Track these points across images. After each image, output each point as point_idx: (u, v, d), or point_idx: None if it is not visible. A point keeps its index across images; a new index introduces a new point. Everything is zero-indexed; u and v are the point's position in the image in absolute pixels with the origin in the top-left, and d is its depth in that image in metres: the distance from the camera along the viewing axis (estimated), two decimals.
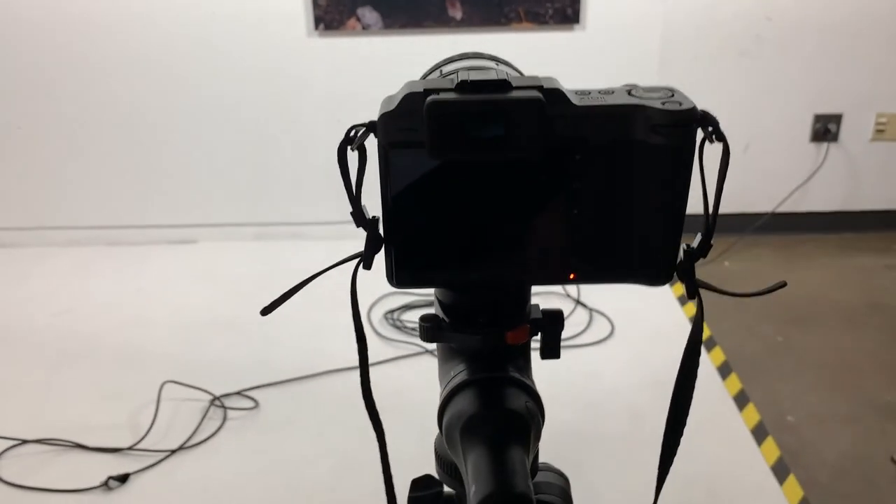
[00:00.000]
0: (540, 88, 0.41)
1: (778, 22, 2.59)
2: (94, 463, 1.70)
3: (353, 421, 1.70)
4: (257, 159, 2.77)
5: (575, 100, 0.43)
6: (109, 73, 2.67)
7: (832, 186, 2.80)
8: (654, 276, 0.47)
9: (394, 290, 0.51)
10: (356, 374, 0.51)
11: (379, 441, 0.53)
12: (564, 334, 2.09)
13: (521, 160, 0.43)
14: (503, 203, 0.45)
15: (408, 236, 0.46)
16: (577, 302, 2.30)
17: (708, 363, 2.05)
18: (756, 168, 2.78)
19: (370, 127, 0.43)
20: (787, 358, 2.10)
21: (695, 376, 0.49)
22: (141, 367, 2.04)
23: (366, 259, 0.46)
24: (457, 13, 2.53)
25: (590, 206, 0.45)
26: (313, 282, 0.47)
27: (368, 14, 2.54)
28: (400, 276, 0.47)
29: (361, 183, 0.45)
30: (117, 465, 1.69)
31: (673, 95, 0.43)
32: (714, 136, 0.42)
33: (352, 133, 0.43)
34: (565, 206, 0.45)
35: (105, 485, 1.62)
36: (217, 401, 1.86)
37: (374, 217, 0.46)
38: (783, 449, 1.74)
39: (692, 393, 0.49)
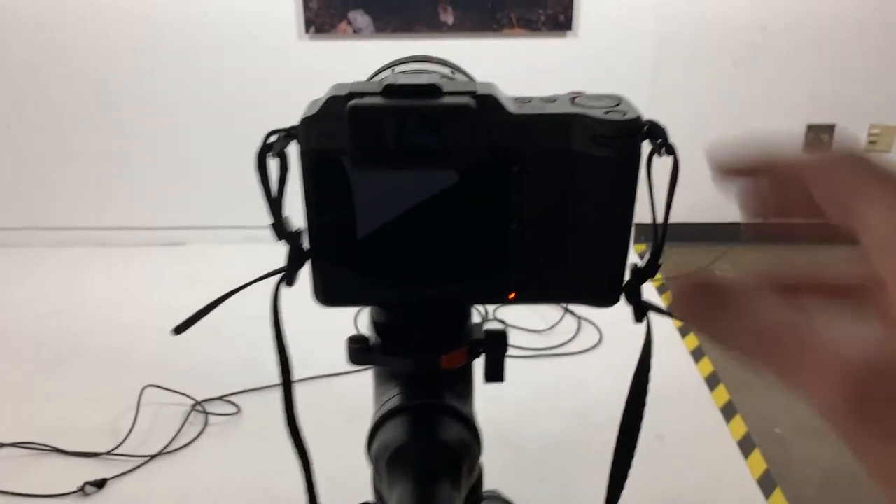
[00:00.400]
0: (473, 94, 0.39)
1: (772, 32, 2.58)
2: (72, 468, 1.67)
3: (337, 429, 1.68)
4: (246, 162, 2.74)
5: (511, 107, 0.41)
6: (99, 74, 2.65)
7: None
8: (599, 296, 0.45)
9: None
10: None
11: (304, 472, 0.51)
12: (552, 342, 2.08)
13: (453, 171, 0.41)
14: (436, 217, 0.42)
15: (333, 250, 0.43)
16: (566, 310, 2.28)
17: (696, 374, 2.03)
18: None
19: (291, 132, 0.41)
20: None
21: (642, 408, 0.47)
22: (123, 370, 2.01)
23: (288, 275, 0.43)
24: (448, 18, 2.52)
25: (529, 222, 0.43)
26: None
27: (360, 18, 2.52)
28: (326, 294, 0.45)
29: (283, 192, 0.42)
30: (95, 471, 1.65)
31: (619, 104, 0.41)
32: (663, 149, 0.40)
33: (271, 139, 0.41)
34: (503, 221, 0.43)
35: (81, 490, 1.60)
36: (198, 406, 1.83)
37: (297, 230, 0.43)
38: (770, 462, 1.72)
39: (640, 426, 0.47)
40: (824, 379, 0.26)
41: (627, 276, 0.46)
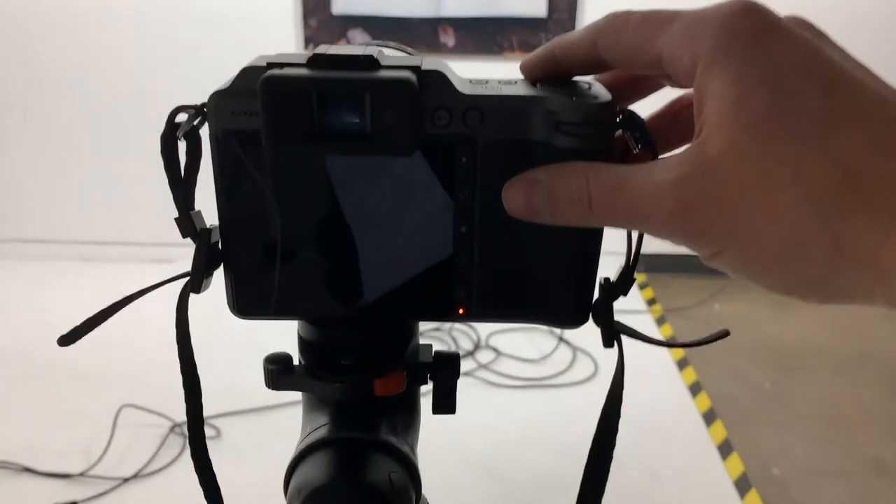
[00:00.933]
0: (416, 69, 0.32)
1: None
2: (42, 489, 1.61)
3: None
4: None
5: (462, 87, 0.34)
6: (87, 86, 2.62)
7: None
8: (563, 316, 0.37)
9: None
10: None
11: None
12: (546, 373, 2.00)
13: (389, 160, 0.34)
14: (370, 214, 0.36)
15: (249, 252, 0.36)
16: (560, 339, 2.22)
17: (693, 409, 1.97)
18: None
19: (201, 110, 0.34)
20: (775, 406, 2.03)
21: (613, 442, 0.40)
22: (101, 389, 1.96)
23: (194, 280, 0.36)
24: (449, 40, 2.49)
25: (480, 224, 0.36)
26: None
27: (359, 36, 2.49)
28: (241, 304, 0.37)
29: (192, 182, 0.35)
30: (66, 493, 1.59)
31: (590, 88, 0.34)
32: (639, 143, 0.33)
33: (179, 117, 0.34)
34: (449, 223, 0.36)
35: None
36: (177, 428, 1.77)
37: (207, 227, 0.36)
38: (767, 503, 1.65)
39: (609, 462, 0.40)
40: (657, 220, 0.30)
41: (597, 294, 0.38)
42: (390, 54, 0.35)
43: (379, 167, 0.35)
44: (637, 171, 0.31)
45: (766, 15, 0.29)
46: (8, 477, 1.64)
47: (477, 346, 2.18)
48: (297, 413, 1.60)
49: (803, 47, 0.29)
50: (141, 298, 0.38)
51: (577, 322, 0.38)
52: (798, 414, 1.99)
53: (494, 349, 2.17)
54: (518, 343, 2.22)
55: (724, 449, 1.82)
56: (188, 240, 0.37)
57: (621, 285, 0.36)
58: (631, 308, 2.40)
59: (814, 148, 0.27)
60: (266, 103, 0.31)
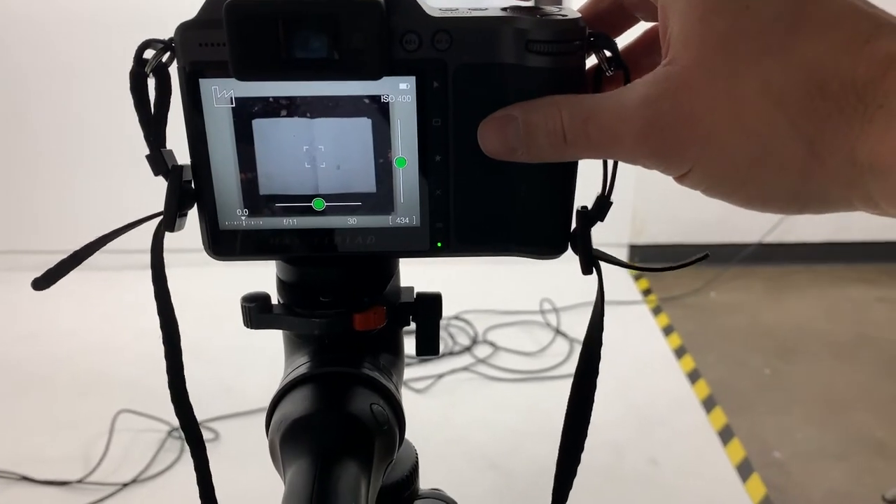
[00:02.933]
0: None
1: None
2: (41, 497, 1.60)
3: None
4: None
5: (431, 12, 0.33)
6: (83, 95, 2.60)
7: (821, 216, 2.74)
8: (541, 245, 0.37)
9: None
10: None
11: (198, 467, 0.42)
12: (544, 365, 1.99)
13: (361, 86, 0.34)
14: (343, 145, 0.35)
15: (223, 190, 0.36)
16: (557, 331, 2.22)
17: (692, 396, 1.97)
18: None
19: (169, 44, 0.34)
20: (774, 391, 2.03)
21: (594, 380, 0.39)
22: (99, 395, 1.94)
23: (167, 218, 0.35)
24: None
25: (455, 152, 0.35)
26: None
27: None
28: (216, 244, 0.37)
29: (164, 119, 0.35)
30: (65, 500, 1.58)
31: (560, 10, 0.34)
32: (611, 64, 0.33)
33: (147, 53, 0.33)
34: (423, 152, 0.35)
35: None
36: (175, 431, 1.76)
37: (179, 164, 0.36)
38: (769, 486, 1.65)
39: (592, 402, 0.40)
40: (628, 145, 0.30)
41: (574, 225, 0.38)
42: None
43: (354, 95, 0.34)
44: (608, 97, 0.31)
45: None
46: (6, 486, 1.63)
47: (474, 341, 2.18)
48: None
49: None
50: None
51: (556, 251, 0.38)
52: (797, 398, 1.99)
53: (492, 343, 2.17)
54: (515, 336, 2.21)
55: (725, 435, 1.82)
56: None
57: (597, 212, 0.36)
58: (627, 299, 2.40)
59: (781, 58, 0.27)
60: (231, 31, 0.31)
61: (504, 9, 0.34)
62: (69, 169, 2.72)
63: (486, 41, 0.33)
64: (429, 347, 0.43)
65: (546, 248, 0.38)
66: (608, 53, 0.33)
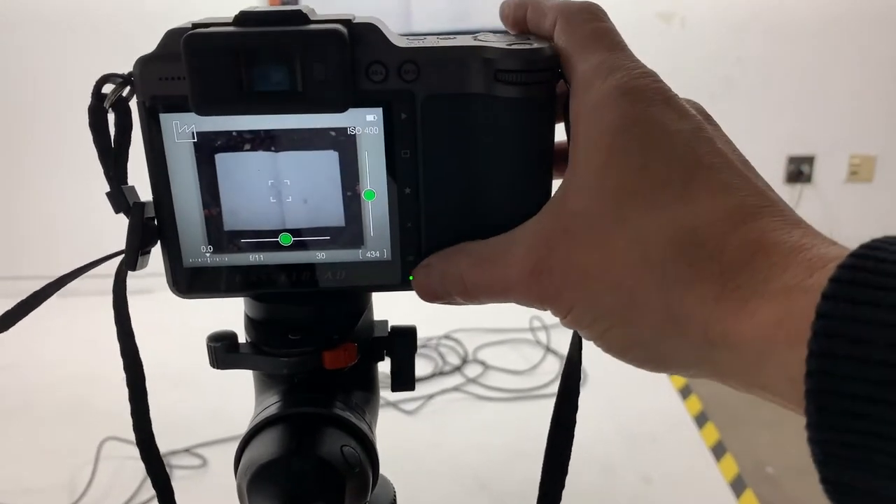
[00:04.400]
0: (347, 23, 0.31)
1: (748, 64, 2.57)
2: None
3: None
4: None
5: (398, 42, 0.33)
6: (68, 118, 2.59)
7: (811, 222, 2.75)
8: None
9: None
10: None
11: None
12: (534, 384, 1.98)
13: (327, 119, 0.33)
14: (310, 179, 0.34)
15: (187, 227, 0.35)
16: (547, 349, 2.21)
17: (684, 412, 1.96)
18: None
19: (128, 78, 0.32)
20: (765, 405, 2.00)
21: (576, 390, 0.39)
22: (84, 423, 1.91)
23: (129, 257, 0.34)
24: None
25: (425, 184, 0.34)
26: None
27: None
28: (179, 281, 0.36)
29: (124, 155, 0.34)
30: None
31: (528, 38, 0.33)
32: None
33: (105, 88, 0.32)
34: (392, 184, 0.34)
35: None
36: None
37: (141, 201, 0.35)
38: (763, 502, 1.65)
39: (575, 414, 0.39)
40: (515, 277, 0.32)
41: None
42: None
43: (317, 127, 0.33)
44: (503, 241, 0.33)
45: (664, 91, 0.31)
46: None
47: (464, 361, 2.17)
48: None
49: (688, 123, 0.30)
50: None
51: None
52: (789, 412, 1.97)
53: (482, 362, 2.16)
54: (505, 355, 2.20)
55: (718, 450, 1.81)
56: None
57: None
58: None
59: (660, 217, 0.28)
60: (190, 64, 0.30)
61: (475, 37, 0.34)
62: (47, 194, 2.70)
63: (454, 71, 0.33)
64: (404, 383, 0.41)
65: None
66: None
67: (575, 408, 0.37)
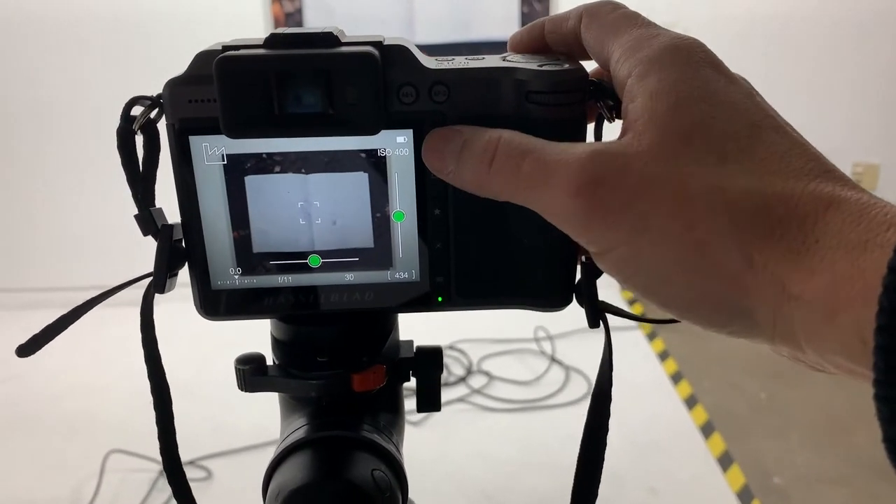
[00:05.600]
0: (378, 45, 0.31)
1: (749, 74, 2.56)
2: None
3: None
4: None
5: (428, 63, 0.32)
6: (70, 133, 2.60)
7: None
8: (545, 298, 0.36)
9: None
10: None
11: None
12: (540, 394, 1.97)
13: (356, 141, 0.33)
14: (340, 201, 0.34)
15: (215, 249, 0.35)
16: (552, 359, 2.20)
17: (690, 422, 1.95)
18: None
19: (157, 101, 0.32)
20: (772, 415, 2.01)
21: (605, 431, 0.38)
22: (88, 435, 1.91)
23: (157, 280, 0.34)
24: None
25: (455, 205, 0.34)
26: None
27: None
28: (209, 304, 0.36)
29: (152, 177, 0.34)
30: None
31: (559, 59, 0.33)
32: (613, 113, 0.32)
33: (134, 110, 0.32)
34: (421, 205, 0.34)
35: None
36: None
37: (169, 224, 0.34)
38: None
39: (603, 453, 0.38)
40: (561, 189, 0.28)
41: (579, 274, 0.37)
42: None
43: (347, 149, 0.33)
44: (558, 144, 0.30)
45: (712, 55, 0.30)
46: None
47: (469, 371, 2.16)
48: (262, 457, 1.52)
49: (740, 88, 0.30)
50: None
51: (560, 304, 0.37)
52: (795, 421, 1.97)
53: (486, 373, 2.15)
54: (510, 365, 2.20)
55: (724, 461, 1.80)
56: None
57: None
58: (621, 325, 2.39)
59: (736, 169, 0.27)
60: (221, 87, 0.30)
61: (504, 57, 0.34)
62: (54, 208, 2.70)
63: (484, 92, 0.33)
64: (430, 404, 0.42)
65: (550, 300, 0.36)
66: (610, 102, 0.32)
67: (603, 444, 0.36)
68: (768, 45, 2.55)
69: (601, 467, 0.37)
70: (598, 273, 0.35)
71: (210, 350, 2.24)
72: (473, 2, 2.43)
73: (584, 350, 2.20)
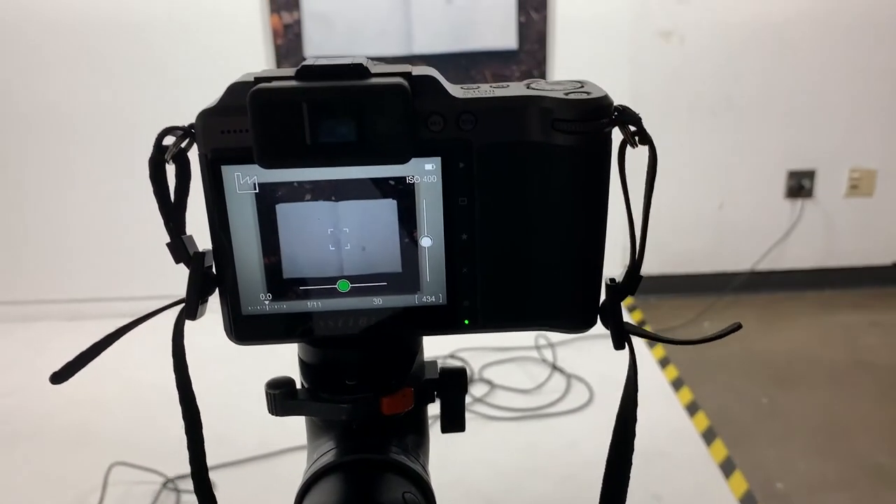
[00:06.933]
0: (407, 76, 0.32)
1: (747, 81, 2.58)
2: None
3: None
4: None
5: (455, 92, 0.34)
6: (69, 142, 2.60)
7: (809, 243, 2.76)
8: (571, 319, 0.37)
9: None
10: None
11: None
12: (541, 402, 1.98)
13: (385, 168, 0.34)
14: (369, 227, 0.35)
15: (246, 275, 0.35)
16: (554, 367, 2.21)
17: (692, 428, 1.95)
18: (732, 226, 2.73)
19: (189, 131, 0.33)
20: (773, 421, 2.01)
21: (631, 451, 0.39)
22: (91, 448, 1.91)
23: (189, 306, 0.35)
24: None
25: (481, 230, 0.35)
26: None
27: None
28: (240, 329, 0.37)
29: (183, 205, 0.35)
30: None
31: (583, 86, 0.34)
32: (636, 138, 0.33)
33: (166, 140, 0.33)
34: (448, 231, 0.35)
35: None
36: (170, 483, 1.73)
37: (200, 251, 0.35)
38: None
39: (629, 468, 0.39)
40: None
41: (603, 295, 0.37)
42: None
43: (375, 177, 0.34)
44: None
45: None
46: None
47: (470, 380, 2.16)
48: (293, 460, 1.59)
49: None
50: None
51: (584, 325, 0.38)
52: (797, 427, 1.98)
53: (488, 381, 2.15)
54: (511, 373, 2.20)
55: (727, 467, 1.80)
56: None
57: (628, 285, 0.36)
58: None
59: None
60: (256, 118, 0.30)
61: (528, 85, 0.34)
62: (53, 220, 2.71)
63: (511, 120, 0.33)
64: (455, 424, 0.42)
65: (574, 322, 0.37)
66: (633, 128, 0.33)
67: (628, 465, 0.37)
68: (766, 52, 2.56)
69: (626, 486, 0.38)
70: (624, 295, 0.35)
71: (208, 360, 2.24)
72: (471, 13, 2.44)
73: (585, 358, 2.20)
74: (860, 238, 2.75)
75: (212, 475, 1.56)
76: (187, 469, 1.71)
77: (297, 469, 1.74)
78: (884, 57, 2.56)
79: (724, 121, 2.60)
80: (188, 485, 1.73)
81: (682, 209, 2.66)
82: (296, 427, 1.72)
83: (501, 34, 2.46)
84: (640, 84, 2.55)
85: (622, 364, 0.38)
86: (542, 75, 2.53)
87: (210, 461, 1.62)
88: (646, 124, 0.35)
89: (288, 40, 2.46)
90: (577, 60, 2.54)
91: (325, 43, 2.44)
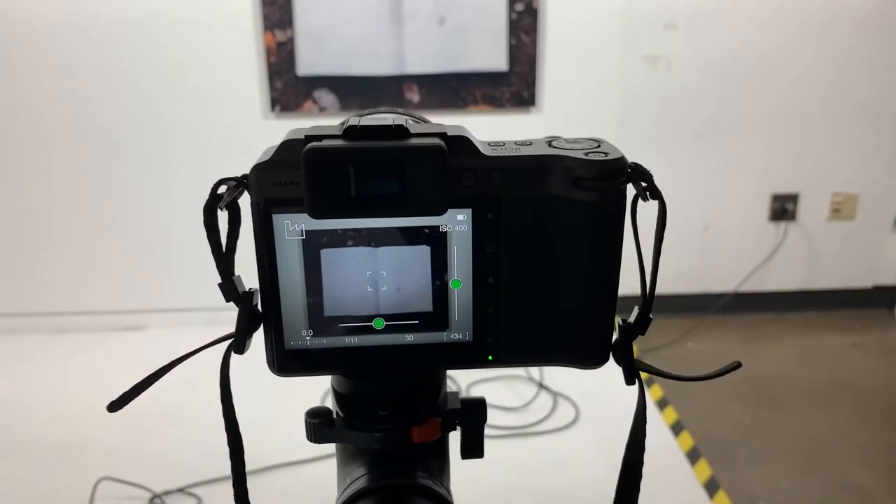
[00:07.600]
0: (443, 136, 0.36)
1: (731, 105, 2.63)
2: None
3: None
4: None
5: (485, 150, 0.38)
6: (58, 153, 2.61)
7: (792, 265, 2.80)
8: (585, 356, 0.41)
9: None
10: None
11: None
12: (527, 420, 2.00)
13: (424, 220, 0.38)
14: (404, 270, 0.38)
15: (290, 313, 0.39)
16: (540, 385, 2.22)
17: (676, 449, 1.97)
18: (716, 248, 2.77)
19: (242, 181, 0.37)
20: (756, 441, 2.04)
21: (639, 477, 0.42)
22: (77, 462, 1.90)
23: (238, 341, 0.38)
24: (414, 96, 2.53)
25: (506, 275, 0.39)
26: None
27: (325, 96, 2.52)
28: (282, 363, 0.40)
29: (233, 249, 0.38)
30: None
31: (599, 146, 0.38)
32: (648, 193, 0.37)
33: (220, 189, 0.37)
34: (476, 275, 0.39)
35: None
36: (157, 499, 1.73)
37: (248, 290, 0.39)
38: None
39: (637, 495, 0.42)
40: None
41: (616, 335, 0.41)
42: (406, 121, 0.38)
43: (415, 226, 0.38)
44: None
45: None
46: None
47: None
48: (284, 475, 1.60)
49: None
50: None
51: (598, 362, 0.41)
52: (779, 447, 2.00)
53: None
54: (498, 391, 2.21)
55: (711, 487, 1.82)
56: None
57: (639, 325, 0.39)
58: None
59: None
60: (309, 173, 0.34)
61: (549, 143, 0.38)
62: (39, 232, 2.70)
63: (535, 177, 0.37)
64: (474, 451, 0.46)
65: (590, 359, 0.41)
66: (644, 184, 0.37)
67: (640, 473, 0.40)
68: (750, 78, 2.61)
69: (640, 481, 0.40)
70: (636, 334, 0.39)
71: (198, 376, 2.24)
72: (462, 35, 2.47)
73: (572, 377, 2.22)
74: (842, 261, 2.80)
75: (200, 490, 1.56)
76: (174, 484, 1.74)
77: (282, 485, 1.76)
78: (865, 84, 2.62)
79: (709, 144, 2.65)
80: (175, 500, 1.73)
81: (668, 230, 2.64)
82: (282, 445, 1.73)
83: (492, 56, 2.49)
84: (628, 107, 2.59)
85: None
86: (532, 97, 2.56)
87: (199, 476, 1.63)
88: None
89: (281, 58, 2.48)
90: (566, 83, 2.58)
91: (317, 61, 2.47)
